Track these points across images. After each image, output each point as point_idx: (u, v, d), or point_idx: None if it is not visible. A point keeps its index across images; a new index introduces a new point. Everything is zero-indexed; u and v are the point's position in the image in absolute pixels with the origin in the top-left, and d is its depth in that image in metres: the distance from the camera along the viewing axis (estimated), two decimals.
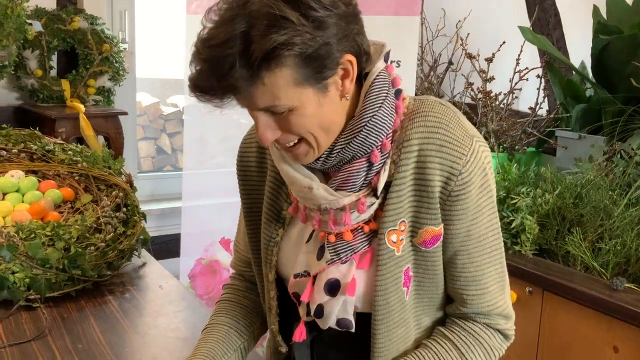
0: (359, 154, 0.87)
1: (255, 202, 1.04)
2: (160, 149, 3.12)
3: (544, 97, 2.23)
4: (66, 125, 2.04)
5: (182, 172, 2.57)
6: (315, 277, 0.92)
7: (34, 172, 1.77)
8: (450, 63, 2.76)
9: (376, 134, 0.86)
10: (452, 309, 0.97)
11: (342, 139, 0.86)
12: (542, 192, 1.95)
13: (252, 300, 1.11)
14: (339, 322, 0.92)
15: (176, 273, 2.40)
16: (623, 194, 1.80)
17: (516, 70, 2.35)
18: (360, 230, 0.90)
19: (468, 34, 2.52)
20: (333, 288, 0.90)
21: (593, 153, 2.02)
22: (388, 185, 0.89)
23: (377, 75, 0.87)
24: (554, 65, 2.16)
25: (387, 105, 0.87)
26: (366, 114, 0.86)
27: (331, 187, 0.88)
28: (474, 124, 2.44)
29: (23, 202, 1.65)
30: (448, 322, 0.98)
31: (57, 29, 2.17)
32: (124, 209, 1.69)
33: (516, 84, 2.35)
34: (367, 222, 0.90)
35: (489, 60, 2.25)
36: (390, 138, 0.89)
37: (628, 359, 1.57)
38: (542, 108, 2.27)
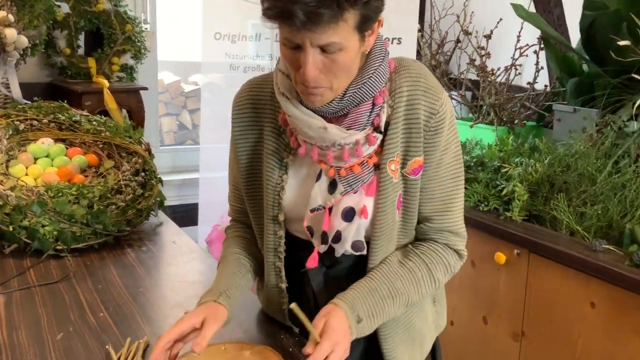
0: (365, 98, 1.04)
1: (253, 154, 1.18)
2: (181, 125, 3.29)
3: (537, 72, 2.32)
4: (92, 99, 2.21)
5: (200, 146, 2.74)
6: (330, 208, 1.09)
7: (62, 140, 1.95)
8: (458, 41, 2.85)
9: (379, 82, 1.05)
10: (419, 229, 1.15)
11: (354, 85, 1.03)
12: (535, 161, 2.06)
13: (253, 235, 1.27)
14: (354, 244, 1.10)
15: (195, 239, 2.57)
16: (609, 163, 1.89)
17: (517, 47, 2.44)
18: (365, 164, 1.08)
19: (472, 12, 2.61)
20: (349, 215, 1.09)
21: (586, 125, 2.12)
22: (386, 125, 1.08)
23: (378, 37, 1.06)
24: (550, 42, 2.24)
25: (385, 62, 1.06)
26: (374, 65, 1.04)
27: (342, 127, 1.05)
28: (475, 98, 2.55)
29: (52, 166, 1.83)
30: (415, 243, 1.16)
31: (84, 10, 2.35)
32: (142, 174, 1.87)
33: (516, 60, 2.44)
34: (370, 157, 1.08)
35: (488, 37, 2.34)
36: (386, 87, 1.08)
37: (603, 313, 1.68)
38: (537, 82, 2.36)
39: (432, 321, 1.29)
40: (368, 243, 1.12)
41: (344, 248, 1.10)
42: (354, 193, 1.09)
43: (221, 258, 1.24)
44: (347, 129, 1.05)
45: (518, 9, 2.18)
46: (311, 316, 1.13)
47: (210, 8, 2.38)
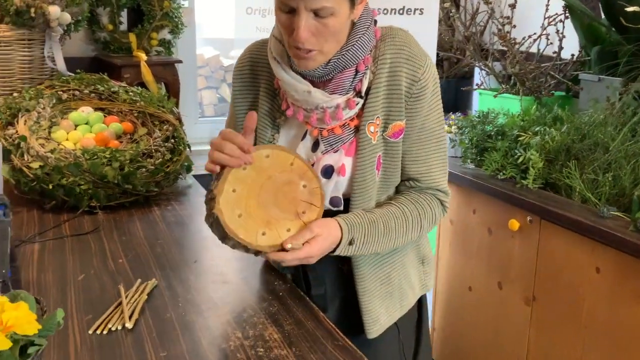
0: (349, 64, 1.13)
1: (247, 109, 1.27)
2: (221, 98, 3.45)
3: (560, 41, 2.30)
4: (130, 71, 2.37)
5: None
6: (313, 165, 1.19)
7: (101, 109, 2.12)
8: (493, 11, 2.85)
9: (363, 49, 1.13)
10: (406, 185, 1.24)
11: (338, 52, 1.12)
12: (555, 131, 2.07)
13: None
14: (332, 200, 1.20)
15: None
16: (623, 131, 1.89)
17: (545, 16, 2.43)
18: (347, 126, 1.17)
19: None
20: (328, 172, 1.18)
21: (609, 94, 2.10)
22: (367, 90, 1.16)
23: (366, 7, 1.15)
24: (575, 10, 2.22)
25: (369, 31, 1.14)
26: (358, 33, 1.13)
27: (326, 91, 1.14)
28: (504, 67, 2.55)
29: (91, 132, 2.00)
30: (404, 191, 1.24)
31: None
32: (172, 140, 2.01)
33: (545, 29, 2.42)
34: (351, 120, 1.17)
35: (512, 6, 2.34)
36: (371, 54, 1.15)
37: (607, 278, 1.71)
38: (563, 49, 2.34)
39: (418, 280, 1.36)
40: (347, 200, 1.20)
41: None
42: (334, 152, 1.18)
43: None
44: (331, 94, 1.14)
45: None
46: (296, 270, 1.24)
47: None
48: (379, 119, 1.16)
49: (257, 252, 1.11)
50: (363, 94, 1.16)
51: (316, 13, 1.05)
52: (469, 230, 2.29)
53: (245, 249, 1.10)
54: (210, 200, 1.09)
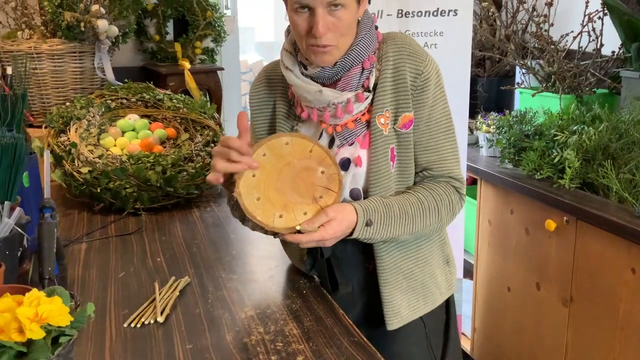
0: (354, 63, 1.21)
1: (269, 125, 1.35)
2: None
3: (597, 38, 2.25)
4: (175, 79, 2.49)
5: None
6: None
7: (147, 116, 2.23)
8: (534, 9, 2.82)
9: (366, 49, 1.22)
10: (421, 176, 1.29)
11: (344, 53, 1.21)
12: (593, 129, 2.04)
13: None
14: (352, 192, 1.26)
15: None
16: None
17: (585, 13, 2.39)
18: (358, 121, 1.25)
19: None
20: (345, 164, 1.25)
21: None
22: (375, 86, 1.24)
23: (366, 12, 1.25)
24: (614, 6, 2.17)
25: (371, 32, 1.24)
26: (361, 34, 1.22)
27: (336, 90, 1.22)
28: (541, 66, 2.52)
29: (137, 138, 2.12)
30: (419, 182, 1.29)
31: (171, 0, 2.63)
32: (212, 145, 2.10)
33: (584, 26, 2.39)
34: (363, 114, 1.25)
35: (549, 4, 2.32)
36: (375, 54, 1.25)
37: None
38: (602, 46, 2.29)
39: (445, 280, 1.39)
40: (366, 192, 1.25)
41: (343, 195, 1.24)
42: (350, 145, 1.25)
43: None
44: (341, 91, 1.22)
45: None
46: (320, 267, 1.30)
47: None
48: (388, 112, 1.24)
49: (274, 234, 1.17)
50: (371, 89, 1.24)
51: (330, 7, 1.13)
52: (507, 231, 2.28)
53: (264, 230, 1.16)
54: (231, 185, 1.16)
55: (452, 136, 1.28)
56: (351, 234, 1.19)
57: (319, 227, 1.14)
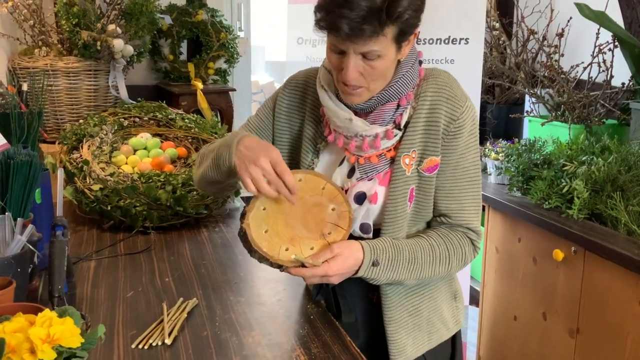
0: (392, 99, 1.19)
1: (292, 136, 1.33)
2: None
3: (607, 70, 2.27)
4: (187, 99, 2.52)
5: None
6: (346, 190, 1.25)
7: (159, 135, 2.26)
8: (544, 39, 2.84)
9: (405, 86, 1.19)
10: (438, 221, 1.27)
11: (380, 90, 1.18)
12: (602, 160, 2.04)
13: None
14: (362, 226, 1.24)
15: None
16: None
17: (596, 44, 2.41)
18: (383, 156, 1.23)
19: (552, 9, 2.60)
20: (360, 198, 1.23)
21: None
22: (407, 124, 1.22)
23: (412, 48, 1.21)
24: (624, 38, 2.19)
25: (413, 69, 1.21)
26: (402, 71, 1.19)
27: (367, 121, 1.20)
28: (551, 96, 2.54)
29: (148, 157, 2.14)
30: (435, 227, 1.27)
31: (185, 21, 2.66)
32: None
33: (595, 57, 2.40)
34: (388, 151, 1.23)
35: (560, 35, 2.34)
36: (413, 91, 1.22)
37: None
38: (612, 77, 2.30)
39: (452, 316, 1.37)
40: (378, 231, 1.24)
41: (352, 229, 1.24)
42: (369, 180, 1.23)
43: None
44: (371, 124, 1.20)
45: (582, 8, 2.16)
46: (326, 294, 1.30)
47: (294, 16, 2.59)
48: (415, 153, 1.21)
49: (280, 267, 1.17)
50: (402, 127, 1.21)
51: (364, 56, 1.11)
52: (514, 259, 2.28)
53: (270, 262, 1.17)
54: (242, 216, 1.19)
55: (477, 187, 1.25)
56: (357, 272, 1.18)
57: (323, 262, 1.14)
